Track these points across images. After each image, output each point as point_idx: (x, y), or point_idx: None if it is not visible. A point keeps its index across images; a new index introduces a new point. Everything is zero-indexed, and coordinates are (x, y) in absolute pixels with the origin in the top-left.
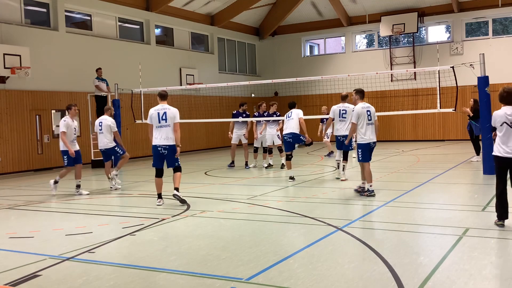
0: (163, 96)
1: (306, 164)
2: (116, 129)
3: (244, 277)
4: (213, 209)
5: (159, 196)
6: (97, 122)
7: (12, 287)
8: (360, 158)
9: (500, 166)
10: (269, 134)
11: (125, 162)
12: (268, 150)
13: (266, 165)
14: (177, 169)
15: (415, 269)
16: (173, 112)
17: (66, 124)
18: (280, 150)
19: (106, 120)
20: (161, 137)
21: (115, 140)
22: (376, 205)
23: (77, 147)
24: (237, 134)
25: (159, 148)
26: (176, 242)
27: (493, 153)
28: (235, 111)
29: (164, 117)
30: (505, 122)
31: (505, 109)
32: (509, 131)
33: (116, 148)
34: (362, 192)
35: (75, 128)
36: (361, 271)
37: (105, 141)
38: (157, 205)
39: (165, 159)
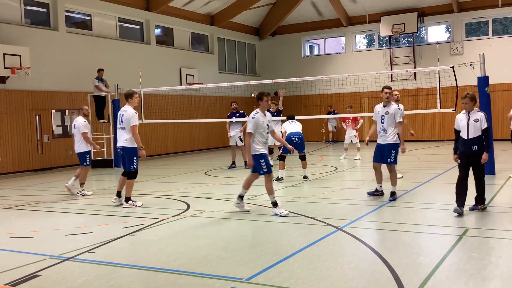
0: (125, 97)
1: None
2: (85, 130)
3: (244, 277)
4: (213, 209)
5: (117, 194)
6: (73, 124)
7: (12, 287)
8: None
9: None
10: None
11: (84, 173)
12: (268, 151)
13: None
14: (131, 175)
15: (415, 269)
16: (128, 115)
17: (256, 121)
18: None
19: (78, 121)
20: (119, 139)
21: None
22: (376, 205)
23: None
24: (233, 136)
25: (118, 150)
26: (176, 242)
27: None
28: (229, 113)
29: (121, 119)
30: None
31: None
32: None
33: (87, 156)
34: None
35: (268, 124)
36: (361, 271)
37: (76, 145)
38: (112, 201)
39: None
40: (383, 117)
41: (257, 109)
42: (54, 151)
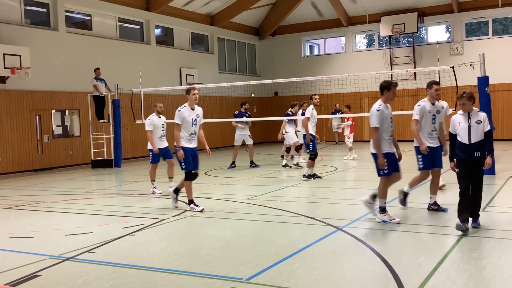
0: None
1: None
2: (147, 128)
3: (244, 277)
4: (213, 209)
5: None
6: None
7: (12, 287)
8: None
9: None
10: (287, 134)
11: (170, 168)
12: (286, 150)
13: (284, 164)
14: (184, 176)
15: (415, 269)
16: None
17: (381, 114)
18: (297, 150)
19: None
20: None
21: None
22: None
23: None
24: (241, 135)
25: None
26: (176, 242)
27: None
28: (237, 112)
29: None
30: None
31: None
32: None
33: (150, 153)
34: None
35: (391, 117)
36: (361, 271)
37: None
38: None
39: None
40: (434, 117)
41: (380, 100)
42: (54, 151)
